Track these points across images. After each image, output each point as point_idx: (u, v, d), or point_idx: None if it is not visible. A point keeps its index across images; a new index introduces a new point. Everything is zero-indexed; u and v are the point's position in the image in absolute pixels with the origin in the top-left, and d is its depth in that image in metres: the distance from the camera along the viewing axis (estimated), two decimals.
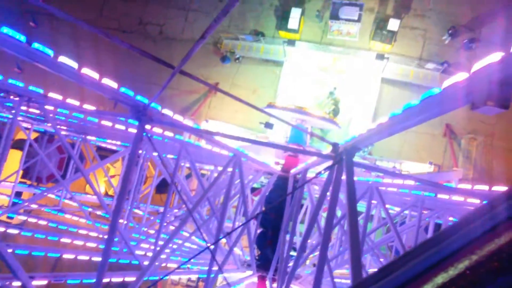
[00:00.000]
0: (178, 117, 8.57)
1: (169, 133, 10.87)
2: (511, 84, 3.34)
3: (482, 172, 22.58)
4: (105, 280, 7.21)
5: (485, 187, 9.26)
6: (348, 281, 10.01)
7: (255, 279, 13.53)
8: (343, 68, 23.77)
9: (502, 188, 9.36)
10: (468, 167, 22.90)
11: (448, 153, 24.23)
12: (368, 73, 23.45)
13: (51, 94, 9.82)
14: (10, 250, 6.82)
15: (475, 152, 23.30)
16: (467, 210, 10.86)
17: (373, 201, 12.13)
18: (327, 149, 9.21)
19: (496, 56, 3.36)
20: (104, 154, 19.41)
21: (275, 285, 12.47)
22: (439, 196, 10.71)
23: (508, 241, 1.08)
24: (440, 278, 0.96)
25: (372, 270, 14.44)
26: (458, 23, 23.60)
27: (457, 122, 23.56)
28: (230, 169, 11.00)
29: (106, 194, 23.51)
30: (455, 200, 10.30)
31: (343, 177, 6.69)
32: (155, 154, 14.11)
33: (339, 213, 13.71)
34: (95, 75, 6.53)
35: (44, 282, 10.23)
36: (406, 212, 15.52)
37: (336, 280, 10.70)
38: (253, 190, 19.97)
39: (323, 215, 14.10)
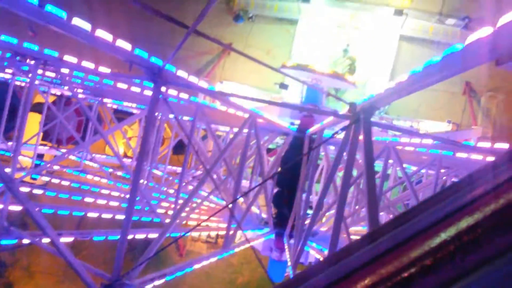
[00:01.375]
0: (193, 79, 8.53)
1: (184, 95, 10.86)
2: None
3: (502, 130, 22.18)
4: (129, 236, 7.51)
5: (505, 145, 9.12)
6: None
7: (272, 236, 13.92)
8: (360, 25, 23.02)
9: None
10: (488, 126, 22.49)
11: (467, 111, 23.73)
12: (386, 30, 22.69)
13: (66, 57, 9.82)
14: (37, 209, 7.08)
15: (495, 110, 22.80)
16: None
17: (389, 161, 12.11)
18: (343, 110, 9.11)
19: None
20: (121, 116, 19.62)
21: (292, 241, 12.81)
22: (458, 154, 10.61)
23: None
24: (465, 222, 0.91)
25: None
26: None
27: (477, 79, 22.88)
28: (245, 130, 11.04)
29: (125, 155, 24.01)
30: (474, 159, 10.20)
31: (360, 137, 6.65)
32: (171, 116, 14.19)
33: (354, 172, 13.76)
34: (109, 36, 6.45)
35: (70, 239, 10.71)
36: (423, 171, 15.48)
37: (352, 237, 10.92)
38: (269, 150, 20.09)
39: (339, 174, 14.18)
